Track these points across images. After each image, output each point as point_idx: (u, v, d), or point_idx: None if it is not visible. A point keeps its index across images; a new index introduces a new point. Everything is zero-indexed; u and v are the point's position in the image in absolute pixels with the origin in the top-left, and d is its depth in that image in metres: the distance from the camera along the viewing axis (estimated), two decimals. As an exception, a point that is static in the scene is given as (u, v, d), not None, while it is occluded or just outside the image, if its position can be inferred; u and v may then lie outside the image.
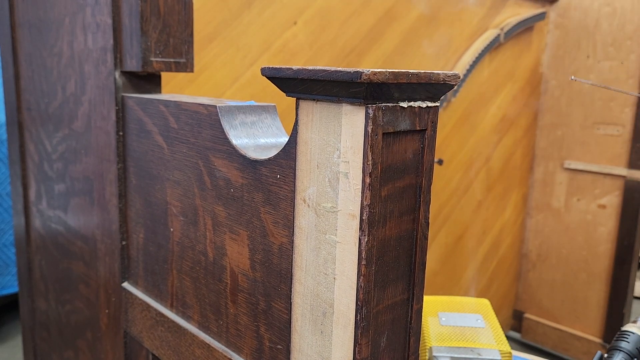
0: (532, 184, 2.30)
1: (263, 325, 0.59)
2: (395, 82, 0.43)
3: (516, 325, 2.42)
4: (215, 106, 0.61)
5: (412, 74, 0.44)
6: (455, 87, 1.82)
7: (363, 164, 0.44)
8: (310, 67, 0.46)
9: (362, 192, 0.45)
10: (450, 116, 1.87)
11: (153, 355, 0.79)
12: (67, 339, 1.04)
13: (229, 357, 0.63)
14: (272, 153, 0.55)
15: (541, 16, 2.09)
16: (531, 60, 2.16)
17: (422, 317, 0.54)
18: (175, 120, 0.68)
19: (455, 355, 0.91)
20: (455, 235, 2.03)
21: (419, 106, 0.47)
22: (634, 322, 0.88)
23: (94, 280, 0.91)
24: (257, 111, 0.64)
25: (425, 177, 0.49)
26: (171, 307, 0.74)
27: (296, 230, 0.52)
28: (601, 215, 2.12)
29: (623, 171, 2.04)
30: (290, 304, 0.54)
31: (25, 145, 1.09)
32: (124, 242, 0.82)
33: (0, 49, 1.11)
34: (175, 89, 1.17)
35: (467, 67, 1.83)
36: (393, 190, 0.47)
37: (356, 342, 0.47)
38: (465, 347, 0.93)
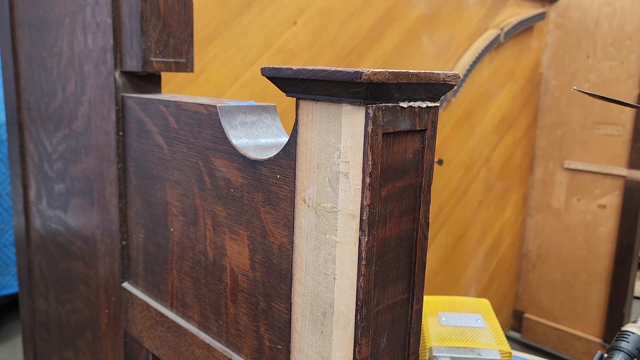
0: (532, 184, 2.30)
1: (263, 325, 0.59)
2: (395, 82, 0.43)
3: (516, 325, 2.42)
4: (215, 106, 0.61)
5: (412, 74, 0.44)
6: (455, 87, 1.82)
7: (363, 164, 0.44)
8: (310, 67, 0.46)
9: (362, 192, 0.45)
10: (450, 116, 1.87)
11: (153, 355, 0.79)
12: (67, 339, 1.04)
13: (229, 357, 0.63)
14: (272, 153, 0.55)
15: (541, 16, 2.09)
16: (531, 60, 2.16)
17: (422, 317, 0.54)
18: (175, 120, 0.68)
19: (455, 355, 0.91)
20: (455, 235, 2.03)
21: (419, 106, 0.47)
22: (634, 322, 0.88)
23: (94, 280, 0.91)
24: (257, 111, 0.64)
25: (425, 177, 0.49)
26: (171, 307, 0.74)
27: (296, 230, 0.52)
28: (601, 215, 2.12)
29: (623, 171, 2.04)
30: (290, 304, 0.54)
31: (25, 145, 1.09)
32: (124, 242, 0.82)
33: (0, 49, 1.11)
34: (175, 89, 1.17)
35: (467, 67, 1.83)
36: (393, 190, 0.47)
37: (356, 342, 0.47)
38: (465, 347, 0.93)
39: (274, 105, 0.66)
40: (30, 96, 1.04)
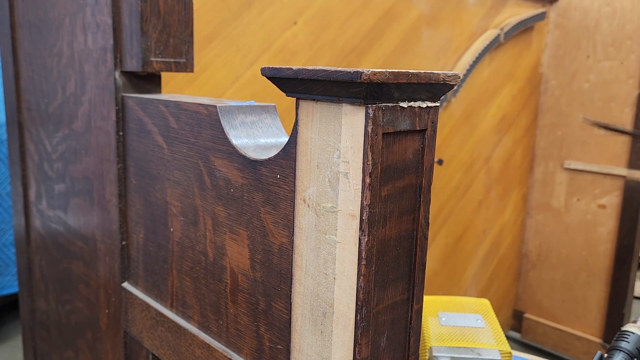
0: (532, 184, 2.30)
1: (263, 325, 0.59)
2: (395, 82, 0.43)
3: (516, 325, 2.42)
4: (215, 106, 0.61)
5: (412, 74, 0.44)
6: (455, 87, 1.82)
7: (363, 164, 0.44)
8: (310, 67, 0.46)
9: (362, 192, 0.45)
10: (450, 116, 1.87)
11: (153, 355, 0.79)
12: (67, 339, 1.04)
13: (229, 357, 0.63)
14: (272, 153, 0.55)
15: (541, 16, 2.09)
16: (531, 60, 2.16)
17: (422, 317, 0.54)
18: (175, 120, 0.68)
19: (455, 355, 0.91)
20: (455, 235, 2.03)
21: (419, 106, 0.47)
22: (634, 322, 0.88)
23: (94, 280, 0.91)
24: (257, 111, 0.64)
25: (425, 177, 0.49)
26: (171, 307, 0.74)
27: (296, 230, 0.52)
28: (601, 215, 2.12)
29: (623, 171, 2.04)
30: (290, 304, 0.54)
31: (25, 145, 1.09)
32: (124, 242, 0.82)
33: (0, 49, 1.11)
34: (175, 89, 1.17)
35: (467, 67, 1.83)
36: (393, 190, 0.47)
37: (356, 342, 0.47)
38: (465, 347, 0.93)
39: (274, 105, 0.66)
40: (30, 96, 1.04)
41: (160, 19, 0.76)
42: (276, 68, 0.49)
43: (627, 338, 0.85)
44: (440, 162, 1.86)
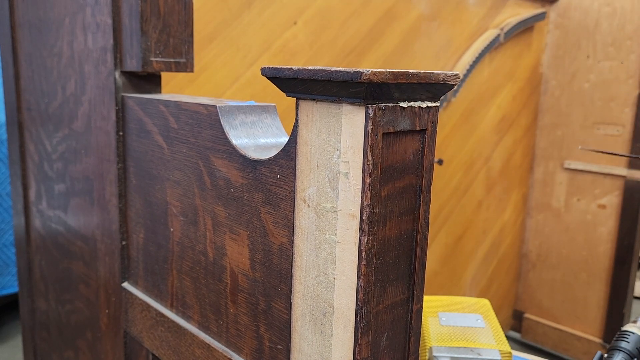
0: (532, 184, 2.30)
1: (263, 325, 0.59)
2: (395, 82, 0.43)
3: (516, 325, 2.42)
4: (215, 106, 0.61)
5: (412, 74, 0.44)
6: (455, 87, 1.82)
7: (363, 164, 0.44)
8: (310, 67, 0.46)
9: (362, 192, 0.45)
10: (450, 116, 1.87)
11: (153, 355, 0.79)
12: (67, 339, 1.04)
13: (229, 357, 0.63)
14: (272, 153, 0.55)
15: (541, 16, 2.09)
16: (531, 60, 2.16)
17: (422, 317, 0.54)
18: (175, 120, 0.68)
19: (455, 355, 0.91)
20: (455, 235, 2.03)
21: (419, 106, 0.47)
22: (634, 322, 0.88)
23: (94, 280, 0.91)
24: (257, 111, 0.64)
25: (425, 177, 0.49)
26: (171, 307, 0.74)
27: (296, 230, 0.52)
28: (601, 215, 2.12)
29: (623, 171, 2.04)
30: (290, 304, 0.54)
31: (25, 145, 1.09)
32: (124, 242, 0.82)
33: (0, 49, 1.11)
34: (175, 89, 1.17)
35: (467, 67, 1.83)
36: (393, 190, 0.47)
37: (356, 342, 0.47)
38: (465, 347, 0.93)
39: (274, 105, 0.66)
40: (30, 96, 1.04)
41: (160, 19, 0.76)
42: (276, 68, 0.49)
43: (627, 338, 0.85)
44: (440, 162, 1.86)
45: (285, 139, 0.63)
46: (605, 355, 0.85)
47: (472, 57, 1.84)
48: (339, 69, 0.43)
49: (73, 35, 0.86)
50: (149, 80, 0.81)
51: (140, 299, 0.79)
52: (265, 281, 0.57)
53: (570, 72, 2.15)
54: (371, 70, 0.42)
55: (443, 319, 1.02)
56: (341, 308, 0.48)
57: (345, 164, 0.46)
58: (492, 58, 1.97)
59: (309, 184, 0.50)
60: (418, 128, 0.47)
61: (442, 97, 1.11)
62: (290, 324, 0.55)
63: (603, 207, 2.11)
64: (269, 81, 0.51)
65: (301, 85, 0.47)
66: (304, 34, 1.39)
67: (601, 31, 2.05)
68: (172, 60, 0.78)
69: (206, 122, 0.62)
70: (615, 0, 2.01)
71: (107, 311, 0.88)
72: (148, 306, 0.77)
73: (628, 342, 0.84)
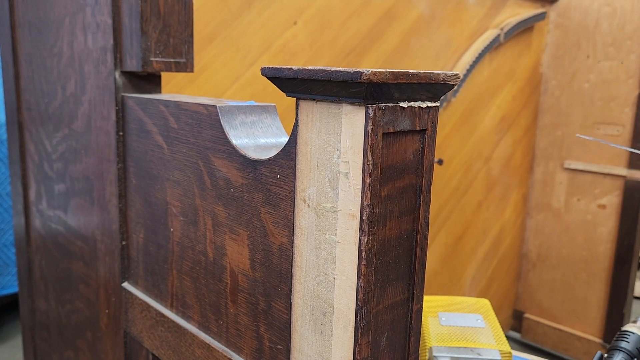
0: (532, 184, 2.30)
1: (263, 325, 0.59)
2: (395, 82, 0.43)
3: (516, 325, 2.42)
4: (215, 106, 0.61)
5: (412, 74, 0.44)
6: (455, 87, 1.82)
7: (363, 164, 0.44)
8: (310, 67, 0.46)
9: (362, 192, 0.45)
10: (450, 116, 1.87)
11: (153, 355, 0.79)
12: (67, 339, 1.04)
13: (229, 357, 0.63)
14: (272, 153, 0.55)
15: (541, 16, 2.09)
16: (531, 60, 2.16)
17: (422, 317, 0.54)
18: (175, 120, 0.68)
19: (455, 355, 0.91)
20: (455, 235, 2.03)
21: (419, 106, 0.47)
22: (634, 322, 0.88)
23: (94, 280, 0.91)
24: (257, 111, 0.64)
25: (425, 177, 0.49)
26: (171, 307, 0.74)
27: (296, 230, 0.52)
28: (601, 215, 2.12)
29: (623, 171, 2.04)
30: (290, 304, 0.54)
31: (25, 145, 1.09)
32: (124, 242, 0.82)
33: (0, 49, 1.11)
34: (175, 89, 1.17)
35: (467, 67, 1.83)
36: (393, 190, 0.47)
37: (356, 342, 0.47)
38: (465, 347, 0.93)
39: (274, 105, 0.66)
40: (30, 96, 1.04)
41: (160, 19, 0.76)
42: (276, 68, 0.49)
43: (627, 338, 0.85)
44: (440, 162, 1.86)
45: (285, 139, 0.63)
46: (605, 355, 0.85)
47: (472, 57, 1.84)
48: (339, 69, 0.43)
49: (73, 35, 0.86)
50: (149, 80, 0.81)
51: (140, 299, 0.79)
52: (265, 281, 0.57)
53: (570, 72, 2.15)
54: (371, 70, 0.42)
55: (443, 319, 1.02)
56: (341, 308, 0.48)
57: (345, 164, 0.46)
58: (492, 58, 1.97)
59: (309, 184, 0.50)
60: (418, 128, 0.47)
61: (442, 97, 1.11)
62: (290, 324, 0.55)
63: (603, 207, 2.11)
64: (269, 81, 0.51)
65: (301, 85, 0.47)
66: (304, 34, 1.39)
67: (601, 31, 2.06)
68: (172, 60, 0.78)
69: (206, 122, 0.62)
70: (615, 0, 2.01)
71: (107, 311, 0.88)
72: (148, 306, 0.77)
73: (628, 342, 0.84)
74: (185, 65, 0.80)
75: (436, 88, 0.47)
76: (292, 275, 0.53)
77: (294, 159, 0.51)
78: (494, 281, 2.27)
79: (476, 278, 2.17)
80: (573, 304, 2.23)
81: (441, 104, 1.81)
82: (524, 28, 2.04)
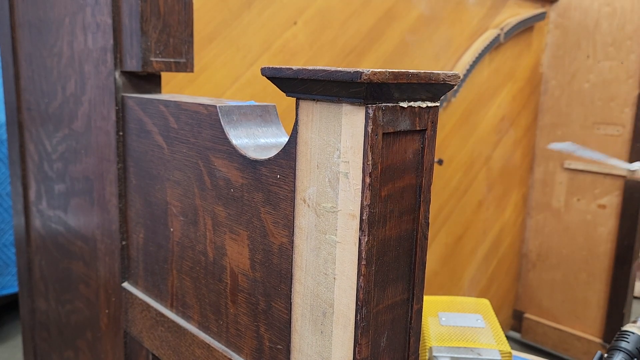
0: (532, 184, 2.30)
1: (263, 325, 0.59)
2: (395, 82, 0.43)
3: (516, 325, 2.42)
4: (215, 106, 0.61)
5: (412, 74, 0.44)
6: (455, 87, 1.82)
7: (363, 164, 0.44)
8: (310, 67, 0.46)
9: (362, 192, 0.45)
10: (450, 116, 1.87)
11: (153, 355, 0.79)
12: (67, 339, 1.04)
13: (229, 357, 0.63)
14: (272, 153, 0.55)
15: (541, 16, 2.09)
16: (531, 60, 2.16)
17: (422, 317, 0.54)
18: (175, 120, 0.68)
19: (455, 355, 0.91)
20: (455, 235, 2.03)
21: (419, 106, 0.47)
22: (634, 322, 0.88)
23: (94, 280, 0.91)
24: (257, 111, 0.64)
25: (425, 177, 0.49)
26: (171, 307, 0.74)
27: (296, 230, 0.52)
28: (601, 215, 2.12)
29: (623, 171, 2.04)
30: (290, 304, 0.54)
31: (25, 145, 1.09)
32: (124, 242, 0.82)
33: (0, 49, 1.11)
34: (175, 89, 1.17)
35: (467, 67, 1.83)
36: (393, 190, 0.47)
37: (356, 342, 0.47)
38: (465, 347, 0.93)
39: (274, 105, 0.66)
40: (30, 96, 1.04)
41: (160, 19, 0.76)
42: (276, 68, 0.49)
43: (627, 338, 0.85)
44: (440, 162, 1.86)
45: (285, 139, 0.63)
46: (605, 355, 0.85)
47: (472, 57, 1.84)
48: (339, 69, 0.43)
49: (73, 35, 0.86)
50: (149, 80, 0.81)
51: (140, 299, 0.79)
52: (265, 281, 0.57)
53: (570, 72, 2.15)
54: (371, 70, 0.42)
55: (443, 319, 1.02)
56: (341, 308, 0.48)
57: (345, 164, 0.46)
58: (492, 58, 1.97)
59: (309, 184, 0.50)
60: (418, 128, 0.47)
61: (442, 97, 1.11)
62: (290, 324, 0.55)
63: (603, 207, 2.11)
64: (269, 81, 0.51)
65: (301, 85, 0.47)
66: (304, 34, 1.39)
67: (601, 31, 2.06)
68: (172, 60, 0.78)
69: (206, 122, 0.62)
70: (615, 0, 2.01)
71: (107, 311, 0.88)
72: (148, 306, 0.77)
73: (628, 342, 0.84)
74: (185, 65, 0.80)
75: (436, 88, 0.47)
76: (292, 275, 0.53)
77: (294, 159, 0.51)
78: (494, 281, 2.27)
79: (476, 278, 2.17)
80: (573, 304, 2.23)
81: (441, 104, 1.81)
82: (524, 28, 2.04)
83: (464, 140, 1.96)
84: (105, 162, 0.82)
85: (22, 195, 1.12)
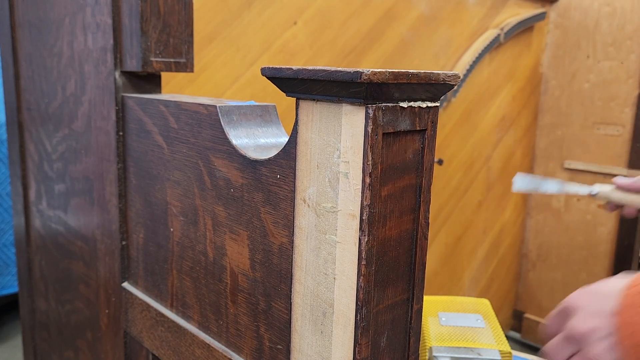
0: (532, 184, 2.30)
1: (263, 325, 0.59)
2: (395, 82, 0.43)
3: (516, 325, 2.42)
4: (215, 106, 0.61)
5: (412, 74, 0.44)
6: (455, 87, 1.82)
7: (363, 164, 0.44)
8: (310, 67, 0.46)
9: (362, 192, 0.45)
10: (450, 116, 1.87)
11: (153, 355, 0.79)
12: (67, 339, 1.04)
13: (229, 357, 0.63)
14: (272, 153, 0.55)
15: (541, 16, 2.09)
16: (531, 60, 2.16)
17: (422, 317, 0.54)
18: (175, 120, 0.68)
19: (455, 355, 0.91)
20: (455, 235, 2.03)
21: (419, 106, 0.47)
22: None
23: (94, 280, 0.91)
24: (257, 111, 0.64)
25: (425, 177, 0.49)
26: (171, 307, 0.74)
27: (296, 230, 0.52)
28: (601, 215, 2.12)
29: (623, 171, 2.04)
30: (290, 304, 0.54)
31: (25, 145, 1.09)
32: (124, 242, 0.82)
33: (0, 49, 1.11)
34: (175, 89, 1.17)
35: (467, 67, 1.83)
36: (393, 190, 0.47)
37: (356, 342, 0.47)
38: (465, 347, 0.93)
39: (274, 105, 0.66)
40: (30, 96, 1.04)
41: (160, 19, 0.76)
42: (276, 68, 0.49)
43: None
44: (440, 162, 1.86)
45: (285, 139, 0.63)
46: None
47: (472, 57, 1.84)
48: (339, 69, 0.43)
49: (73, 35, 0.86)
50: (149, 80, 0.81)
51: (140, 299, 0.79)
52: (265, 281, 0.57)
53: (570, 72, 2.15)
54: (371, 70, 0.42)
55: (443, 319, 1.02)
56: (341, 308, 0.48)
57: (345, 164, 0.46)
58: (492, 58, 1.97)
59: (309, 184, 0.50)
60: (418, 128, 0.47)
61: (442, 97, 1.11)
62: (290, 324, 0.55)
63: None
64: (269, 81, 0.51)
65: (301, 85, 0.47)
66: (304, 34, 1.39)
67: (601, 31, 2.06)
68: (172, 60, 0.78)
69: (206, 122, 0.62)
70: (615, 0, 2.01)
71: (107, 311, 0.88)
72: (148, 306, 0.77)
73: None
74: (185, 65, 0.80)
75: (436, 88, 0.47)
76: (292, 275, 0.53)
77: (294, 159, 0.51)
78: (494, 281, 2.27)
79: (476, 278, 2.17)
80: (573, 304, 2.23)
81: (441, 104, 1.81)
82: (524, 28, 2.04)
83: (464, 140, 1.96)
84: (105, 162, 0.82)
85: (22, 195, 1.12)
